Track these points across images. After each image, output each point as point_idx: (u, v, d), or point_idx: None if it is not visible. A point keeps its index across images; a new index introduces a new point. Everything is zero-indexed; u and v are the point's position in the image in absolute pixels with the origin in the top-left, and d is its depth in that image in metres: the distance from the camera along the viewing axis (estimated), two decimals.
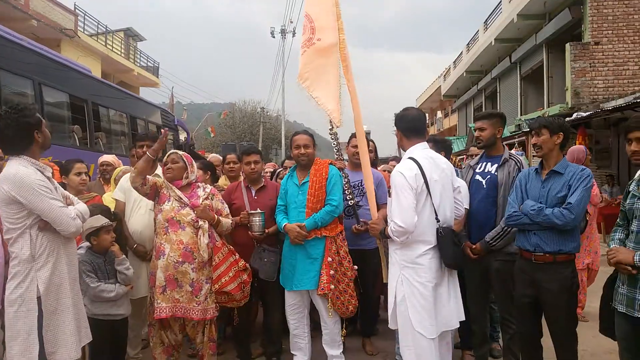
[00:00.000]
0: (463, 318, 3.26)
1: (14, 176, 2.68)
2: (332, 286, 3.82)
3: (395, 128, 3.39)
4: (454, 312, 3.17)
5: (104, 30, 24.78)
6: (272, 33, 35.80)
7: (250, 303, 4.22)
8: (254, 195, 4.41)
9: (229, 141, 37.13)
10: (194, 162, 3.99)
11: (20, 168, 2.72)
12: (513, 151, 13.17)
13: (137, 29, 30.37)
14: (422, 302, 3.04)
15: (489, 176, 3.77)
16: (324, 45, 3.99)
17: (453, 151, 12.87)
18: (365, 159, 3.94)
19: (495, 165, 3.79)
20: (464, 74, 25.91)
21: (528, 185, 3.34)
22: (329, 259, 3.86)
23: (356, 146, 4.56)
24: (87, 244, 3.57)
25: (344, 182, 4.38)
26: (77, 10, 21.91)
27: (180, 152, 3.93)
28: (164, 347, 3.82)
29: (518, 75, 19.44)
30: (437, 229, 3.09)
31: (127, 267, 3.60)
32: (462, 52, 26.87)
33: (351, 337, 4.75)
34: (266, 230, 4.18)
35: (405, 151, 3.33)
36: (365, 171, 4.00)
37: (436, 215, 3.10)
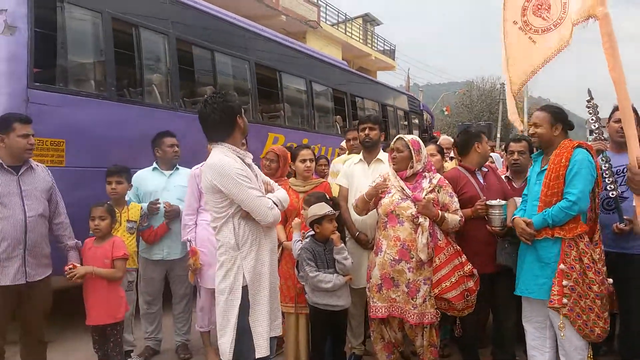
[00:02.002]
0: None
1: (215, 165, 2.70)
2: (565, 300, 3.04)
3: None
4: None
5: (344, 18, 26.04)
6: None
7: (480, 307, 3.68)
8: (482, 181, 3.86)
9: (465, 121, 35.82)
10: (422, 148, 3.62)
11: (222, 157, 2.73)
12: None
13: (375, 14, 31.21)
14: None
15: None
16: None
17: None
18: (631, 133, 2.82)
19: None
20: None
21: None
22: (562, 266, 3.07)
23: (619, 120, 3.53)
24: (312, 232, 3.56)
25: (605, 168, 3.50)
26: (319, 1, 23.42)
27: (407, 138, 3.60)
28: (384, 343, 3.63)
29: None
30: None
31: (345, 257, 3.48)
32: None
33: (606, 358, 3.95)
34: (508, 224, 3.56)
35: None
36: (632, 149, 2.87)
37: None
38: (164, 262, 4.26)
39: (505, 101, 37.61)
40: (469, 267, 3.43)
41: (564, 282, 3.04)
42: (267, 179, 3.10)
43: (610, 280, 3.15)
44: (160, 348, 4.41)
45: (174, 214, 4.19)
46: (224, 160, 2.70)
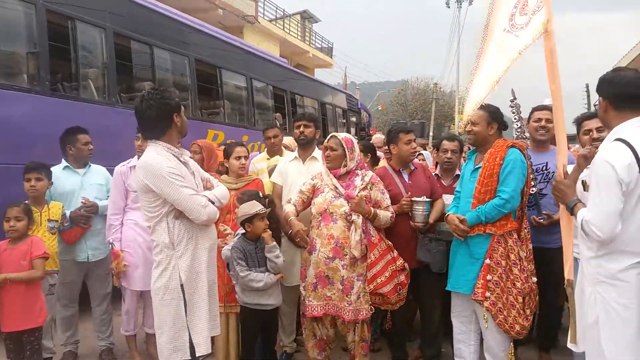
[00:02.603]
0: None
1: (147, 164, 2.67)
2: (488, 294, 3.18)
3: (598, 96, 2.57)
4: None
5: (282, 14, 26.01)
6: (447, 3, 34.21)
7: (408, 302, 3.81)
8: (407, 180, 3.97)
9: (400, 119, 36.78)
10: (356, 146, 3.67)
11: (154, 156, 2.69)
12: None
13: (313, 11, 31.36)
14: (621, 329, 2.32)
15: None
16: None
17: None
18: (562, 146, 2.84)
19: None
20: None
21: None
22: (488, 260, 3.20)
23: (539, 119, 3.85)
24: (242, 230, 3.51)
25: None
26: None
27: (341, 136, 3.63)
28: (315, 341, 3.63)
29: None
30: None
31: (277, 255, 3.45)
32: None
33: (525, 348, 4.13)
34: (430, 221, 3.73)
35: (608, 128, 2.52)
36: (560, 159, 2.86)
37: None
38: (86, 263, 4.06)
39: (438, 100, 38.91)
40: (400, 261, 3.52)
41: (488, 277, 3.16)
42: (207, 175, 3.07)
43: (535, 279, 3.27)
44: (79, 352, 4.23)
45: (93, 210, 3.99)
46: (156, 159, 2.66)
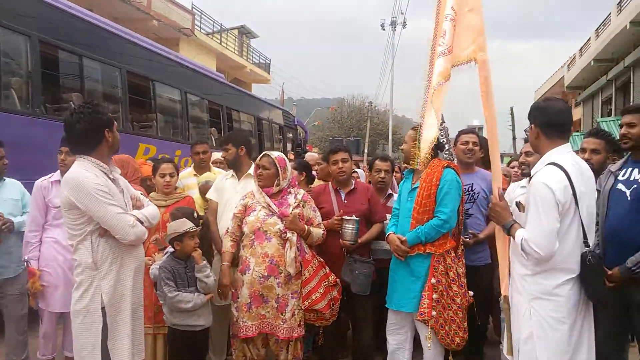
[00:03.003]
0: None
1: (73, 179, 2.56)
2: (434, 312, 3.24)
3: (530, 123, 2.72)
4: (585, 357, 2.55)
5: (219, 28, 25.82)
6: (382, 25, 35.24)
7: (339, 319, 3.84)
8: (343, 199, 4.01)
9: (336, 136, 37.32)
10: (288, 165, 3.67)
11: (80, 171, 2.59)
12: None
13: (250, 27, 31.35)
14: (555, 342, 2.46)
15: (635, 186, 2.99)
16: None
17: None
18: (497, 168, 2.91)
19: None
20: (592, 63, 23.41)
21: None
22: (433, 280, 3.27)
23: (467, 142, 4.02)
24: (171, 249, 3.41)
25: None
26: (194, 9, 23.00)
27: (274, 155, 3.62)
28: None
29: None
30: (585, 256, 2.47)
31: (207, 275, 3.37)
32: (590, 39, 24.35)
33: None
34: (359, 240, 3.78)
35: (540, 153, 2.69)
36: (496, 181, 2.91)
37: (585, 238, 2.50)
38: None
39: (372, 119, 39.77)
40: (332, 277, 3.56)
41: (434, 296, 3.22)
42: (137, 194, 2.98)
43: (471, 293, 3.37)
44: None
45: (9, 227, 3.70)
46: (82, 174, 2.55)
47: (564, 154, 2.57)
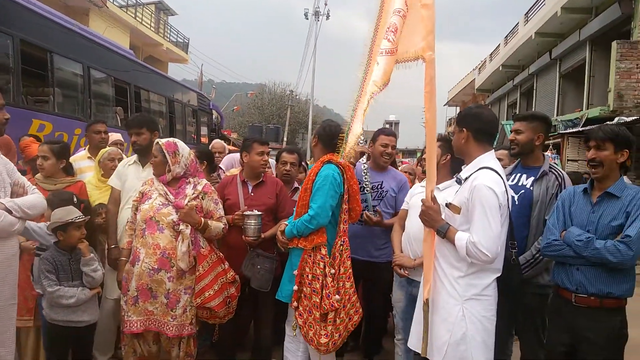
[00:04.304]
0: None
1: None
2: (296, 304, 3.21)
3: (460, 127, 2.75)
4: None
5: (135, 2, 24.49)
6: (305, 15, 35.06)
7: (238, 315, 3.72)
8: (250, 191, 3.88)
9: (256, 122, 36.84)
10: (180, 151, 3.40)
11: None
12: (548, 153, 12.43)
13: (169, 3, 30.07)
14: (487, 339, 2.53)
15: (522, 191, 3.16)
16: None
17: None
18: (432, 171, 2.73)
19: (532, 178, 3.19)
20: (500, 68, 24.83)
21: (573, 207, 2.74)
22: (296, 271, 3.24)
23: (386, 145, 4.00)
24: (54, 239, 3.13)
25: (364, 174, 3.89)
26: None
27: (162, 142, 3.38)
28: (136, 358, 3.36)
29: (557, 73, 18.39)
30: (509, 256, 2.59)
31: (95, 269, 3.13)
32: (499, 45, 25.76)
33: (353, 355, 4.32)
34: (262, 235, 3.68)
35: (465, 156, 2.74)
36: (429, 184, 2.74)
37: (513, 239, 2.60)
38: None
39: (293, 107, 39.66)
40: (231, 273, 3.44)
41: (295, 287, 3.20)
42: (23, 180, 2.68)
43: (338, 297, 3.14)
44: None
45: None
46: None
47: (493, 159, 2.63)
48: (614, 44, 13.17)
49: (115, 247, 3.61)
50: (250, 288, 3.73)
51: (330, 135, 3.41)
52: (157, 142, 3.41)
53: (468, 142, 2.70)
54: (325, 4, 33.36)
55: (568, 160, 13.83)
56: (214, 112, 15.11)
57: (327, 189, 3.20)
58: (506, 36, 24.44)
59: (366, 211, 3.84)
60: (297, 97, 45.95)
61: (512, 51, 22.08)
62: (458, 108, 41.10)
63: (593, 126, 11.40)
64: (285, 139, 32.83)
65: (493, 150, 2.69)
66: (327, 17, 34.44)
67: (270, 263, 3.66)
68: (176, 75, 15.54)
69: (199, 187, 3.42)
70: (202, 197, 3.40)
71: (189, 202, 3.30)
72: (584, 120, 13.74)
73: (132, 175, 3.77)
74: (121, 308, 3.32)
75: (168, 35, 28.68)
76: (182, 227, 3.23)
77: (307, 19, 34.81)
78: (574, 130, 13.39)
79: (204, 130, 13.73)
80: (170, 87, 11.69)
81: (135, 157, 3.87)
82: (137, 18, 23.56)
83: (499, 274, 2.55)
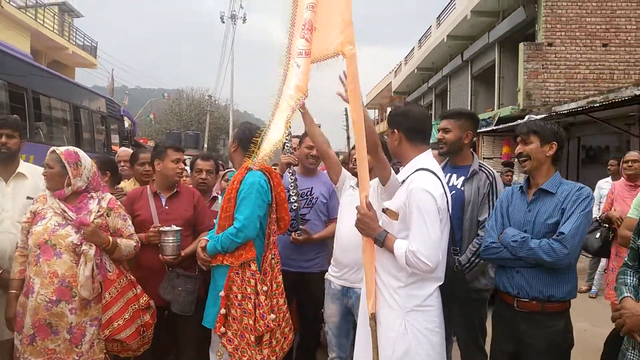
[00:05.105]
0: None
1: None
2: (224, 329, 2.86)
3: (391, 128, 2.56)
4: None
5: (34, 2, 22.76)
6: (221, 18, 34.34)
7: (157, 341, 3.32)
8: (164, 204, 3.49)
9: (174, 129, 35.56)
10: (82, 162, 2.97)
11: None
12: None
13: (73, 4, 28.31)
14: (432, 353, 2.33)
15: (453, 192, 3.00)
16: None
17: None
18: (364, 174, 2.49)
19: (462, 178, 3.08)
20: (415, 71, 25.57)
21: (511, 207, 2.63)
22: (222, 293, 2.89)
23: (311, 147, 3.76)
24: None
25: (291, 182, 3.64)
26: None
27: (60, 150, 2.93)
28: None
29: (469, 74, 19.15)
30: (453, 264, 2.47)
31: None
32: (414, 48, 26.53)
33: None
34: (182, 253, 3.31)
35: (401, 159, 2.55)
36: (363, 189, 2.50)
37: (455, 244, 2.45)
38: None
39: (212, 112, 38.77)
40: (145, 298, 3.04)
41: (222, 310, 2.86)
42: None
43: (273, 316, 2.90)
44: None
45: None
46: None
47: (430, 159, 2.47)
48: (521, 45, 13.88)
49: (4, 272, 3.04)
50: (169, 312, 3.35)
51: (251, 139, 3.13)
52: (54, 151, 2.94)
53: (401, 144, 2.53)
54: (241, 7, 32.91)
55: (484, 158, 14.41)
56: (125, 118, 14.24)
57: (254, 198, 2.91)
58: (420, 39, 25.20)
59: (292, 234, 3.63)
60: (217, 102, 44.96)
61: (426, 54, 22.80)
62: (376, 111, 42.02)
63: (508, 124, 11.91)
64: (205, 145, 31.91)
65: (429, 149, 2.52)
66: (244, 21, 33.99)
67: (192, 284, 3.29)
68: (86, 81, 14.58)
69: (103, 203, 2.99)
70: (107, 214, 2.98)
71: (94, 220, 2.88)
72: (496, 119, 14.35)
73: None
74: (14, 350, 2.84)
75: (74, 39, 26.92)
76: (84, 247, 2.79)
77: (224, 22, 34.18)
78: (488, 129, 13.93)
79: (115, 138, 12.87)
80: (74, 92, 10.79)
81: None
82: (38, 20, 21.87)
83: (440, 282, 2.39)
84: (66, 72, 21.51)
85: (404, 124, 2.52)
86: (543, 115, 11.86)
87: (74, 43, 26.52)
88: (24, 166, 3.29)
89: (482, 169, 3.08)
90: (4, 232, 3.11)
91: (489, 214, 2.88)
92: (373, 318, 2.40)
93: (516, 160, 2.69)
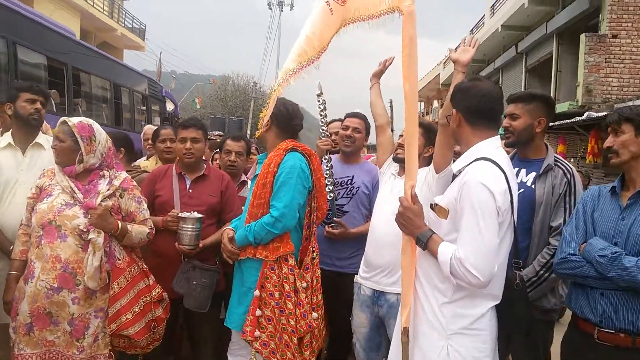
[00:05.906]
0: None
1: None
2: (258, 333, 2.57)
3: (452, 107, 2.13)
4: None
5: None
6: (269, 4, 34.23)
7: (171, 337, 3.01)
8: (188, 187, 3.15)
9: (218, 115, 35.81)
10: (96, 136, 2.64)
11: None
12: None
13: None
14: None
15: (522, 190, 2.49)
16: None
17: None
18: (413, 157, 2.16)
19: (533, 174, 2.58)
20: None
21: (597, 213, 2.13)
22: (257, 292, 2.59)
23: (346, 127, 3.40)
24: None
25: (326, 169, 3.26)
26: None
27: (72, 122, 2.60)
28: None
29: (523, 67, 18.22)
30: (514, 279, 1.95)
31: None
32: (464, 39, 25.59)
33: None
34: (200, 244, 2.97)
35: (462, 145, 2.12)
36: (410, 176, 2.15)
37: (518, 256, 1.99)
38: None
39: (256, 100, 38.87)
40: (157, 290, 2.71)
41: (258, 312, 2.57)
42: None
43: (316, 315, 2.68)
44: None
45: None
46: None
47: (495, 148, 2.01)
48: (582, 37, 12.96)
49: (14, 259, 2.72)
50: (184, 307, 3.01)
51: (288, 116, 2.78)
52: (66, 122, 2.62)
53: (460, 127, 2.08)
54: None
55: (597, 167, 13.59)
56: (168, 100, 14.13)
57: (295, 184, 2.60)
58: (472, 29, 24.27)
59: (327, 227, 3.27)
60: (261, 89, 44.97)
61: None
62: (423, 104, 41.05)
63: (565, 121, 11.14)
64: (249, 132, 31.95)
65: (497, 136, 2.05)
66: (291, 8, 33.75)
67: (209, 277, 2.95)
68: (136, 65, 14.65)
69: (116, 182, 2.66)
70: (120, 195, 2.66)
71: (101, 201, 2.55)
72: None
73: (8, 165, 2.92)
74: (10, 336, 2.56)
75: (123, 21, 27.30)
76: (92, 235, 2.47)
77: (271, 9, 34.04)
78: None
79: (156, 119, 12.77)
80: (115, 70, 10.66)
81: (8, 137, 2.99)
82: (89, 1, 22.19)
83: (497, 302, 1.94)
84: (114, 53, 21.74)
85: (464, 102, 2.06)
86: (604, 113, 11.02)
87: (123, 25, 26.88)
88: (42, 137, 3.06)
89: (559, 164, 2.57)
90: (18, 205, 2.83)
91: (564, 219, 2.39)
92: (406, 333, 2.00)
93: (572, 159, 2.19)
